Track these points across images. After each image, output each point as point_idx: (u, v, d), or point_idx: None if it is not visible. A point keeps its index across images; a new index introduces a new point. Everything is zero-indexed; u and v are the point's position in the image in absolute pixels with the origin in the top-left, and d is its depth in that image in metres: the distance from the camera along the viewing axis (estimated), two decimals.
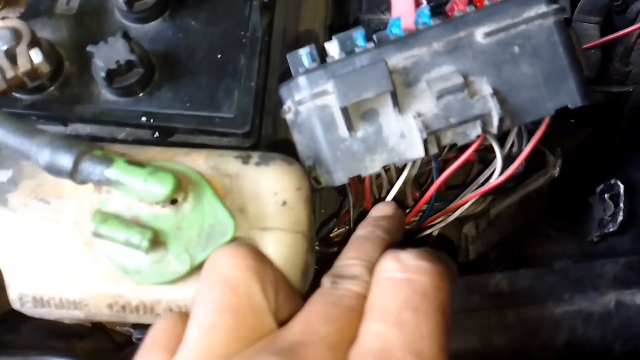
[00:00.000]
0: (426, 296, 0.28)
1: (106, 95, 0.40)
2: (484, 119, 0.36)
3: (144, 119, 0.40)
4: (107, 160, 0.31)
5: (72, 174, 0.31)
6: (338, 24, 0.59)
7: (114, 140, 0.41)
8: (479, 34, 0.37)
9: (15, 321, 0.47)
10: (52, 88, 0.41)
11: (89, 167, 0.31)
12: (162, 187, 0.31)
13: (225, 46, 0.43)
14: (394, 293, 0.28)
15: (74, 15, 0.43)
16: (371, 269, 0.32)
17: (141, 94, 0.40)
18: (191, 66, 0.42)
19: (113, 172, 0.31)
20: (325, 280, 0.32)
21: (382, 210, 0.39)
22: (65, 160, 0.31)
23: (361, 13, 0.56)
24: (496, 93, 0.36)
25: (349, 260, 0.33)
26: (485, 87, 0.36)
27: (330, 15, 0.59)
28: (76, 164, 0.31)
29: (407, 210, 0.44)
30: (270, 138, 0.46)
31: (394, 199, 0.42)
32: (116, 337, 0.51)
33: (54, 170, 0.32)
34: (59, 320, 0.36)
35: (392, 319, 0.27)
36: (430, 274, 0.28)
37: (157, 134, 0.41)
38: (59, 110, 0.40)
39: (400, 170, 0.42)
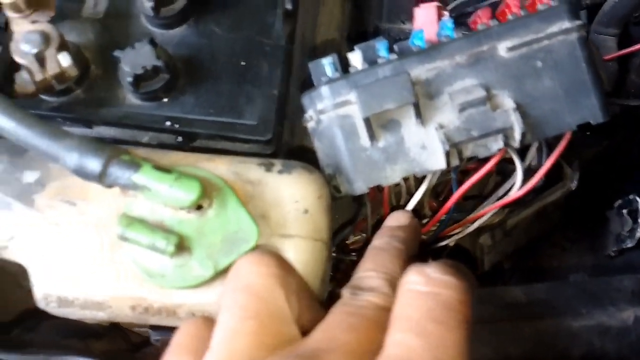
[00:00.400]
0: (451, 309, 0.28)
1: (131, 99, 0.41)
2: (506, 133, 0.36)
3: (168, 123, 0.40)
4: (135, 165, 0.32)
5: (100, 178, 0.32)
6: (357, 33, 0.60)
7: (137, 143, 0.42)
8: (502, 47, 0.37)
9: (34, 320, 0.47)
10: (78, 91, 0.41)
11: (117, 172, 0.32)
12: (188, 193, 0.32)
13: (249, 53, 0.43)
14: (418, 304, 0.28)
15: (100, 19, 0.44)
16: (389, 280, 0.32)
17: (165, 99, 0.41)
18: (215, 72, 0.42)
19: (140, 177, 0.32)
20: (345, 292, 0.32)
21: (397, 219, 0.40)
22: (94, 164, 0.32)
23: (381, 22, 0.56)
24: (518, 107, 0.36)
25: (367, 272, 0.34)
26: (507, 101, 0.36)
27: (348, 23, 0.59)
28: (104, 168, 0.32)
29: (425, 220, 0.44)
30: (287, 144, 0.46)
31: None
32: (132, 337, 0.51)
33: (82, 173, 0.32)
34: (81, 320, 0.37)
35: (417, 329, 0.27)
36: (454, 287, 0.29)
37: (179, 139, 0.42)
38: (84, 113, 0.41)
39: (418, 180, 0.42)
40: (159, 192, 0.32)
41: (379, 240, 0.37)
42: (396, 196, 0.45)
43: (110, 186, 0.33)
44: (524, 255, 0.56)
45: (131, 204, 0.34)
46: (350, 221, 0.49)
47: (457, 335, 0.27)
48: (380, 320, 0.30)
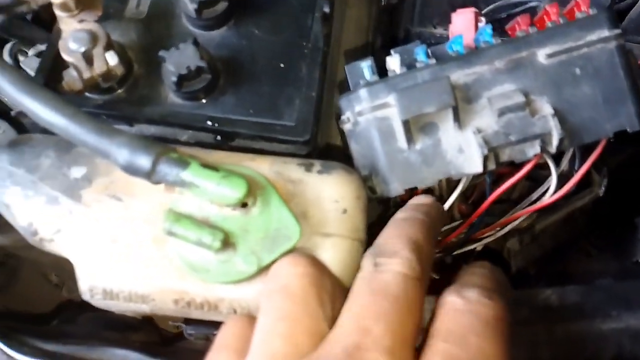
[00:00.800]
0: (489, 325, 0.29)
1: (173, 98, 0.42)
2: (544, 138, 0.36)
3: (209, 123, 0.41)
4: (183, 163, 0.33)
5: (149, 174, 0.33)
6: (387, 36, 0.60)
7: (176, 141, 0.43)
8: (541, 54, 0.37)
9: (72, 312, 0.49)
10: (121, 89, 0.42)
11: (166, 169, 0.33)
12: (235, 190, 0.32)
13: (288, 55, 0.44)
14: (458, 319, 0.30)
15: (142, 19, 0.45)
16: (412, 245, 0.32)
17: (207, 99, 0.42)
18: (254, 74, 0.43)
19: (188, 174, 0.33)
20: (367, 262, 0.32)
21: (421, 199, 0.39)
22: (144, 160, 0.33)
23: (412, 26, 0.57)
24: (556, 113, 0.36)
25: (389, 238, 0.33)
26: (545, 107, 0.37)
27: (374, 27, 0.60)
28: (154, 165, 0.33)
29: (456, 223, 0.45)
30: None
31: None
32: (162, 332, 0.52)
33: (131, 169, 0.33)
34: (123, 313, 0.38)
35: (458, 340, 0.29)
36: (492, 307, 0.30)
37: (218, 138, 0.42)
38: (127, 110, 0.42)
39: (450, 183, 0.43)
40: (206, 190, 0.33)
41: (402, 213, 0.37)
42: None
43: (157, 183, 0.33)
44: (550, 261, 0.57)
45: (177, 201, 0.35)
46: (380, 222, 0.50)
47: (497, 347, 0.29)
48: (408, 296, 0.30)
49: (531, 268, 0.58)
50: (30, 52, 0.54)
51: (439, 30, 0.57)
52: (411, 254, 0.31)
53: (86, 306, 0.39)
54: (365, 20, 0.60)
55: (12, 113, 0.48)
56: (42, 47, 0.52)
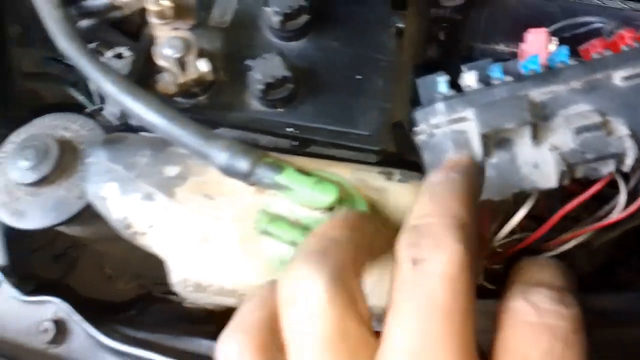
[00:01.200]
0: (569, 344, 0.26)
1: (256, 105, 0.44)
2: (619, 158, 0.38)
3: (290, 130, 0.43)
4: (279, 167, 0.35)
5: (247, 176, 0.35)
6: (445, 51, 0.62)
7: (256, 146, 0.45)
8: (617, 77, 0.39)
9: (141, 304, 0.51)
10: (205, 95, 0.45)
11: (262, 172, 0.35)
12: (327, 196, 0.35)
13: (363, 67, 0.46)
14: (535, 340, 0.26)
15: (226, 28, 0.48)
16: (456, 227, 0.26)
17: (287, 107, 0.44)
18: (331, 84, 0.45)
19: (283, 178, 0.35)
20: (404, 256, 0.26)
21: (455, 156, 0.36)
22: (243, 163, 0.35)
23: (476, 42, 0.58)
24: (632, 134, 0.38)
25: (426, 217, 0.27)
26: (621, 128, 0.38)
27: (423, 39, 0.61)
28: (252, 168, 0.35)
29: (518, 236, 0.46)
30: None
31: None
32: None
33: (230, 171, 0.35)
34: (206, 305, 0.40)
35: None
36: (568, 318, 0.27)
37: (295, 144, 0.45)
38: (211, 115, 0.44)
39: (516, 197, 0.44)
40: (299, 193, 0.35)
41: (435, 175, 0.31)
42: None
43: (253, 184, 0.36)
44: (601, 277, 0.58)
45: (270, 203, 0.37)
46: None
47: None
48: (462, 307, 0.25)
49: (581, 283, 0.59)
50: (108, 53, 0.57)
51: (501, 47, 0.59)
52: (457, 242, 0.26)
53: (151, 298, 0.41)
54: (413, 33, 0.62)
55: (87, 110, 0.51)
56: (119, 49, 0.55)
